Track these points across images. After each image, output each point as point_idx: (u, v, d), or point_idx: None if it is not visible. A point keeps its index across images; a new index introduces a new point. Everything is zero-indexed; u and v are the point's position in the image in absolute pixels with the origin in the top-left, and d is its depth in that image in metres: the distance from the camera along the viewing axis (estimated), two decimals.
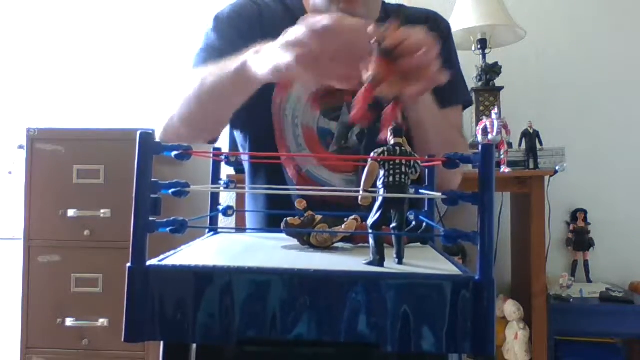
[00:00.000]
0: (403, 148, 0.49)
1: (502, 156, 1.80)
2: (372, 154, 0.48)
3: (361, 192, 0.47)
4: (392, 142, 0.50)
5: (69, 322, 1.68)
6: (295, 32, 0.70)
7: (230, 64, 0.83)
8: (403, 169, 0.48)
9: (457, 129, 1.13)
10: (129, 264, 0.41)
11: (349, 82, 0.69)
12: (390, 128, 0.50)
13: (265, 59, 0.75)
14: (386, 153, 0.48)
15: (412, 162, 0.48)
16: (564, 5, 2.33)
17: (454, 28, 2.02)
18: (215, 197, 0.66)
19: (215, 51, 1.00)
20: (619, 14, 2.31)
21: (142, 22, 2.51)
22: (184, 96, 0.94)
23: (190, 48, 1.11)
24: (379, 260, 0.46)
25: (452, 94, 1.05)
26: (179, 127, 0.96)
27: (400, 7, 1.19)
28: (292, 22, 0.73)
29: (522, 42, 2.10)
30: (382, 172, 0.48)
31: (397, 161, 0.48)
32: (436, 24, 1.12)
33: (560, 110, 2.27)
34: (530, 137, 1.83)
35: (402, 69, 0.63)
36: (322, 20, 0.67)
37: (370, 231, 0.47)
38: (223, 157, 0.64)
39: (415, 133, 0.93)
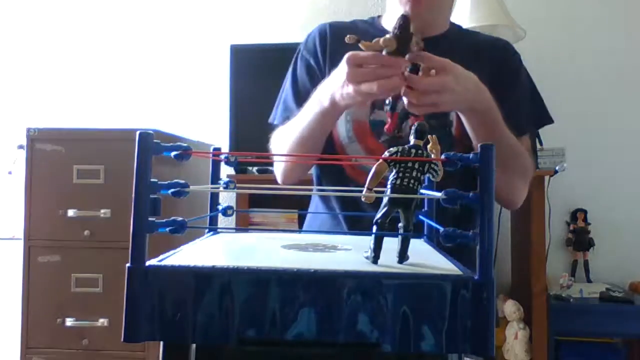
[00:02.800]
0: (420, 151, 0.47)
1: None
2: (385, 153, 0.47)
3: (364, 192, 0.47)
4: (412, 142, 0.48)
5: (69, 322, 1.68)
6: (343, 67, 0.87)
7: (310, 112, 1.00)
8: (414, 174, 0.46)
9: (527, 153, 1.17)
10: (128, 264, 0.41)
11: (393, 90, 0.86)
12: (413, 128, 0.48)
13: (337, 92, 0.91)
14: (399, 154, 0.47)
15: (426, 168, 0.47)
16: (564, 5, 2.33)
17: None
18: (215, 197, 0.66)
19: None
20: (619, 14, 2.30)
21: (142, 22, 2.51)
22: (286, 147, 1.09)
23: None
24: (374, 258, 0.46)
25: (518, 123, 1.10)
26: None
27: (469, 32, 1.26)
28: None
29: (522, 42, 2.10)
30: (393, 173, 0.47)
31: (409, 164, 0.46)
32: (503, 53, 1.17)
33: (560, 110, 2.26)
34: None
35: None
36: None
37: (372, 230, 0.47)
38: (223, 157, 0.64)
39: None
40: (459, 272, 0.43)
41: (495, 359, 1.84)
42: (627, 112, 2.27)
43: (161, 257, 0.45)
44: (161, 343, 0.43)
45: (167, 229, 0.44)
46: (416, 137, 0.48)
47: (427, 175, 0.47)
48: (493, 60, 1.13)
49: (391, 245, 0.47)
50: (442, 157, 0.46)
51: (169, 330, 0.41)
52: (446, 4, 1.15)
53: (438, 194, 0.44)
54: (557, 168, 1.82)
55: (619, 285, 2.09)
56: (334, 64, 0.97)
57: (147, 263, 0.41)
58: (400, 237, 0.47)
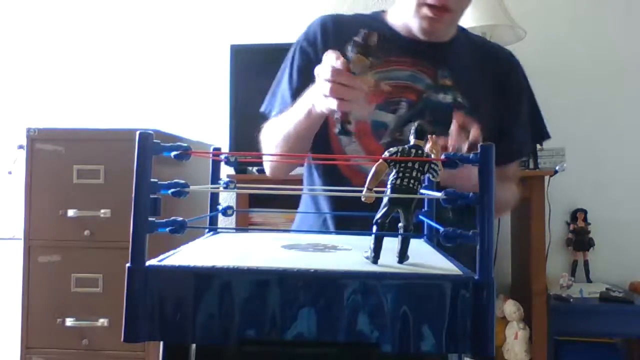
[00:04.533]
0: (420, 151, 0.47)
1: None
2: (385, 153, 0.47)
3: (364, 192, 0.46)
4: (412, 142, 0.47)
5: (69, 322, 1.68)
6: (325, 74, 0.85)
7: (298, 112, 1.00)
8: (414, 174, 0.46)
9: (512, 180, 1.17)
10: (128, 264, 0.41)
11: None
12: (413, 128, 0.48)
13: (318, 98, 0.90)
14: (399, 154, 0.47)
15: (426, 168, 0.46)
16: (564, 5, 2.33)
17: None
18: (215, 197, 0.66)
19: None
20: (619, 14, 2.30)
21: (142, 22, 2.51)
22: (272, 141, 1.10)
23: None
24: (374, 258, 0.46)
25: (512, 149, 1.12)
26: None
27: (475, 38, 1.25)
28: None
29: (522, 42, 2.10)
30: (393, 173, 0.47)
31: (409, 164, 0.46)
32: (506, 66, 1.16)
33: (560, 110, 2.27)
34: None
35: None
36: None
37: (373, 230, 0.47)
38: (223, 157, 0.64)
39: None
40: (459, 272, 0.43)
41: (495, 359, 1.84)
42: (627, 112, 2.27)
43: (161, 257, 0.45)
44: (161, 343, 0.43)
45: (167, 229, 0.44)
46: (416, 137, 0.47)
47: (427, 175, 0.47)
48: (497, 73, 1.13)
49: (391, 245, 0.47)
50: (442, 157, 0.46)
51: (169, 330, 0.41)
52: (460, 15, 1.15)
53: (438, 194, 0.44)
54: (557, 168, 1.82)
55: (619, 285, 2.09)
56: None
57: (147, 263, 0.41)
58: (400, 237, 0.47)
